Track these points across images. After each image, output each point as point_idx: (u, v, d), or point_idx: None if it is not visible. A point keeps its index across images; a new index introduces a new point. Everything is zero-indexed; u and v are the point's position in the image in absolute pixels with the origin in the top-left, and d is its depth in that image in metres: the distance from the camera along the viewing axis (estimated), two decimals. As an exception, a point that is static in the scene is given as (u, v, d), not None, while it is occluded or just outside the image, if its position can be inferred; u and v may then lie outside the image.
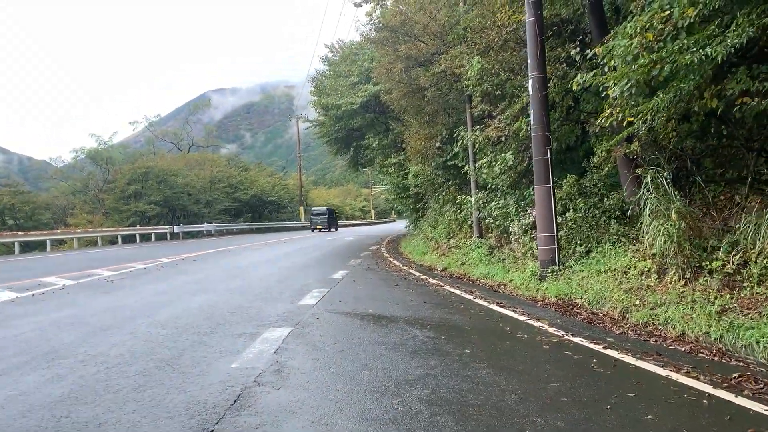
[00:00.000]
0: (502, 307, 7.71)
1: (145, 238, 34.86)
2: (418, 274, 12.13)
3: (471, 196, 12.88)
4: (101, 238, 31.26)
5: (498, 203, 11.17)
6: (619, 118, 7.18)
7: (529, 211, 10.47)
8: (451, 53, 12.07)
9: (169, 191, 41.08)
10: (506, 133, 10.46)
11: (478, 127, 11.69)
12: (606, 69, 7.26)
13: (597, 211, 9.20)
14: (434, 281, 10.74)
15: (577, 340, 5.67)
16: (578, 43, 8.96)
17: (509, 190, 11.43)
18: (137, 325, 6.58)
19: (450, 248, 14.18)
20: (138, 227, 35.65)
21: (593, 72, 7.56)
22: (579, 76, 7.89)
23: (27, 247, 27.37)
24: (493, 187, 11.76)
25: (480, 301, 8.23)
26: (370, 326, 6.48)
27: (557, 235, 8.80)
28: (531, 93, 8.87)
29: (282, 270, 13.22)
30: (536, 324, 6.51)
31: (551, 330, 6.15)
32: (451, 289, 9.56)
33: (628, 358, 4.92)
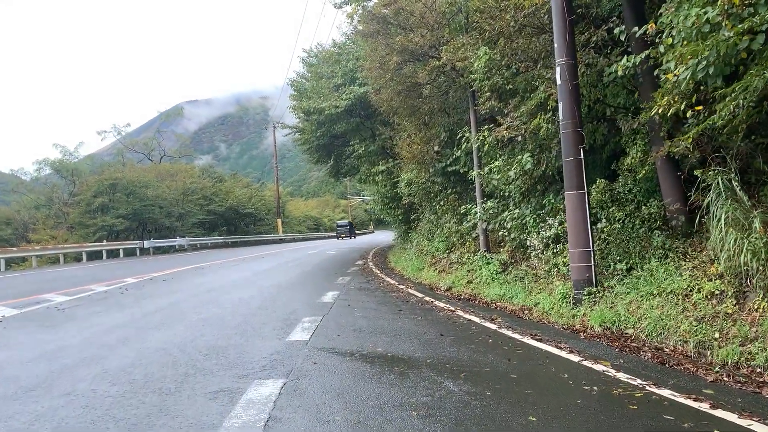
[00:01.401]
0: (540, 340, 6.29)
1: (113, 254, 32.61)
2: (419, 294, 10.65)
3: (477, 205, 11.47)
4: (64, 256, 29.01)
5: (512, 213, 9.77)
6: (682, 107, 5.89)
7: (549, 221, 9.12)
8: (453, 44, 10.69)
9: (139, 204, 38.71)
10: (522, 132, 9.10)
11: (486, 127, 10.29)
12: (662, 49, 5.97)
13: (635, 221, 7.90)
14: (442, 304, 9.28)
15: (666, 393, 4.27)
16: (612, 24, 7.67)
17: (522, 198, 10.07)
18: (78, 380, 4.99)
19: (451, 264, 12.73)
20: (105, 243, 33.37)
21: (645, 52, 6.26)
22: (625, 58, 6.59)
23: (-20, 268, 25.10)
24: (504, 194, 10.38)
25: (509, 333, 6.80)
26: (386, 376, 4.99)
27: (594, 250, 7.43)
28: (559, 83, 7.54)
29: (263, 292, 11.63)
30: (596, 367, 5.11)
31: (621, 377, 4.75)
32: (467, 316, 8.12)
33: (760, 428, 3.53)
